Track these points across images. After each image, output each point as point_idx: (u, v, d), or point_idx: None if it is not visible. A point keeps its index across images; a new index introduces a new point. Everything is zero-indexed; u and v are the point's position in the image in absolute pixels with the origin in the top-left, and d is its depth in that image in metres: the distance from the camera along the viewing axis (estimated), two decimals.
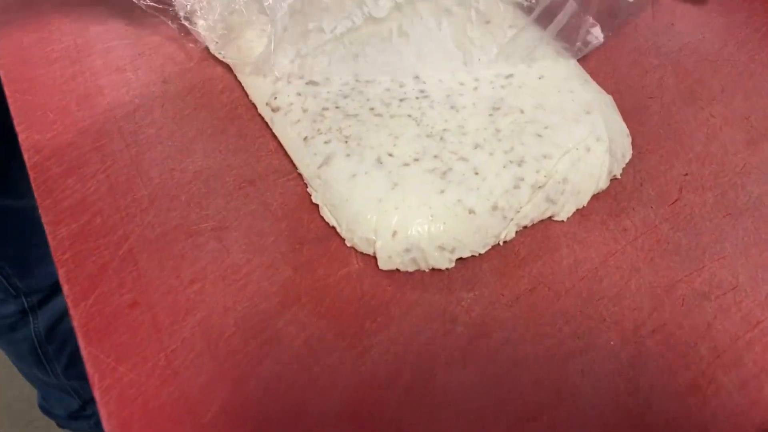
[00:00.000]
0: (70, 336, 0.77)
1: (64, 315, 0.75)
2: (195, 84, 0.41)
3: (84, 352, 0.30)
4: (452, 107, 0.36)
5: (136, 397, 0.28)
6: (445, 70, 0.38)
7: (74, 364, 0.81)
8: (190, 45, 0.43)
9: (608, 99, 0.37)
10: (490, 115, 0.35)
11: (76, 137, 0.38)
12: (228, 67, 0.41)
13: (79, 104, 0.39)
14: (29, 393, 0.93)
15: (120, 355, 0.30)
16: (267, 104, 0.38)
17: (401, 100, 0.36)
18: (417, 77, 0.37)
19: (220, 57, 0.42)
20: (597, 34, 0.40)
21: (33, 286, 0.71)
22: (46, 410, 0.90)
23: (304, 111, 0.36)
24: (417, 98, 0.36)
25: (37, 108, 0.39)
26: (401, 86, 0.37)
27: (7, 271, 0.69)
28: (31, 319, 0.74)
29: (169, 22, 0.41)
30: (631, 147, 0.37)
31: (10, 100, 0.40)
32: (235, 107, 0.40)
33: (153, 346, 0.30)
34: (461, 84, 0.37)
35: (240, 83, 0.40)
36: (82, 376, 0.83)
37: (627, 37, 0.44)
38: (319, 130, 0.35)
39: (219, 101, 0.40)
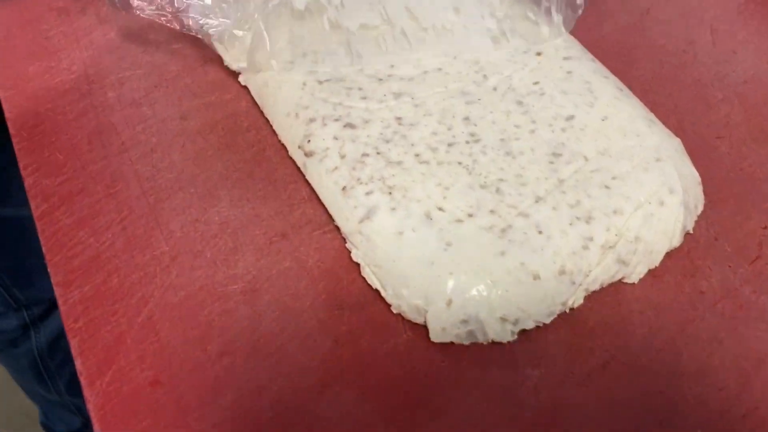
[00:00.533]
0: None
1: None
2: (217, 120, 0.37)
3: None
4: (508, 153, 0.32)
5: None
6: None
7: (77, 380, 0.78)
8: (211, 75, 0.39)
9: (677, 143, 0.34)
10: (551, 162, 0.32)
11: (88, 182, 0.34)
12: (253, 101, 0.38)
13: (90, 143, 0.36)
14: (30, 408, 0.90)
15: None
16: (299, 147, 0.34)
17: (449, 144, 0.33)
18: (467, 119, 0.34)
19: (242, 82, 0.38)
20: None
21: (34, 297, 0.69)
22: (47, 427, 0.87)
23: (342, 157, 0.32)
24: (467, 143, 0.33)
25: (44, 148, 0.36)
26: (449, 129, 0.33)
27: (6, 282, 0.66)
28: (32, 333, 0.71)
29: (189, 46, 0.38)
30: (703, 196, 0.33)
31: (15, 139, 0.36)
32: (263, 148, 0.36)
33: None
34: (516, 126, 0.33)
35: (267, 120, 0.37)
36: None
37: (686, 67, 0.41)
38: (359, 179, 0.31)
39: (245, 140, 0.36)
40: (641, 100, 0.37)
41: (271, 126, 0.37)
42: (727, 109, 0.38)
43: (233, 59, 0.38)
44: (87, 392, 0.27)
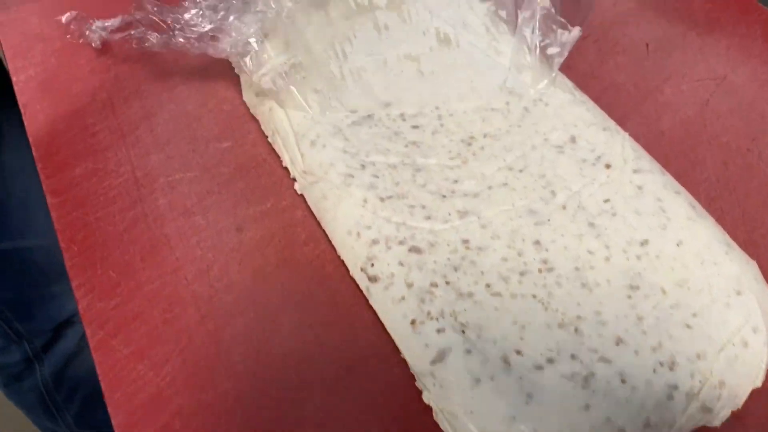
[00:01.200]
0: (80, 381, 0.74)
1: (71, 358, 0.73)
2: (274, 232, 0.36)
3: None
4: (584, 285, 0.31)
5: None
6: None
7: (85, 412, 0.78)
8: (263, 179, 0.38)
9: (754, 268, 0.33)
10: (629, 297, 0.31)
11: (144, 306, 0.33)
12: (309, 210, 0.37)
13: (144, 260, 0.35)
14: None
15: None
16: (362, 270, 0.33)
17: (521, 273, 0.31)
18: (537, 242, 0.32)
19: (298, 190, 0.37)
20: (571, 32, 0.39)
21: (35, 328, 0.69)
22: None
23: (409, 286, 0.31)
24: (540, 271, 0.32)
25: (97, 264, 0.35)
26: (519, 254, 0.32)
27: (6, 315, 0.66)
28: (37, 366, 0.71)
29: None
30: None
31: (66, 254, 0.35)
32: (322, 264, 0.35)
33: None
34: (590, 252, 0.32)
35: (324, 231, 0.36)
36: (93, 425, 0.79)
37: (751, 169, 0.39)
38: (429, 313, 0.30)
39: (303, 255, 0.35)
40: (709, 208, 0.36)
41: (328, 238, 0.36)
42: None
43: (292, 164, 0.37)
44: None
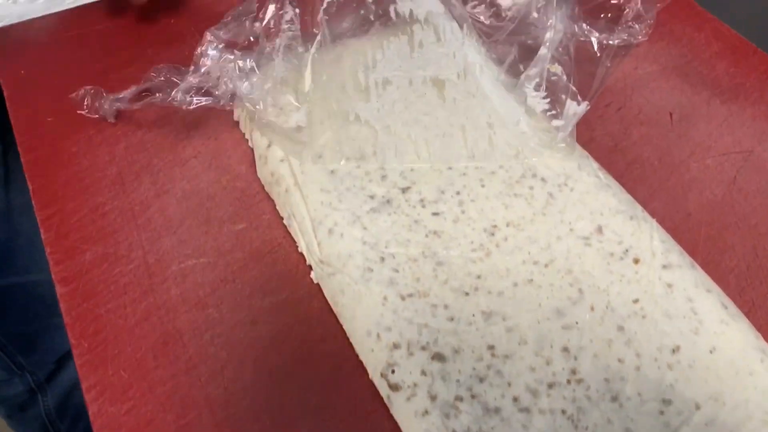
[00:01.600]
0: (83, 410, 0.74)
1: (73, 388, 0.73)
2: (290, 326, 0.35)
3: None
4: (614, 399, 0.30)
5: None
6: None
7: None
8: (279, 266, 0.37)
9: None
10: (661, 413, 0.29)
11: (158, 411, 0.32)
12: (325, 301, 0.36)
13: (156, 358, 0.34)
14: None
15: None
16: (382, 376, 0.32)
17: (550, 385, 0.30)
18: (566, 349, 0.31)
19: (314, 279, 0.36)
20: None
21: (37, 361, 0.69)
22: None
23: (433, 399, 0.30)
24: (569, 382, 0.30)
25: (108, 363, 0.33)
26: (548, 363, 0.31)
27: (9, 349, 0.66)
28: (40, 397, 0.71)
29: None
30: None
31: (75, 351, 0.34)
32: (340, 364, 0.34)
33: None
34: (620, 361, 0.31)
35: (342, 328, 0.35)
36: None
37: None
38: (454, 431, 0.29)
39: (320, 354, 0.34)
40: (738, 301, 0.35)
41: (346, 334, 0.34)
42: None
43: (309, 252, 0.36)
44: None
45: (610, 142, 0.44)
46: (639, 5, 0.42)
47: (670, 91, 0.47)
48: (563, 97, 0.40)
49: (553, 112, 0.40)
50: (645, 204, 0.39)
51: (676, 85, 0.47)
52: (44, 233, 0.38)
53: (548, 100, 0.40)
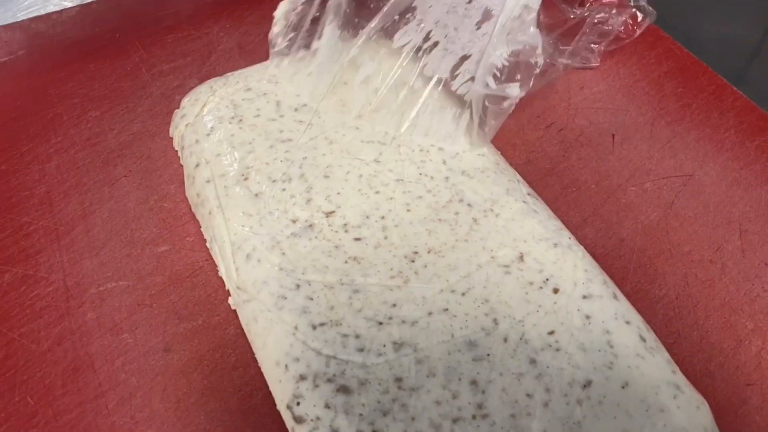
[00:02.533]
0: None
1: None
2: (203, 354, 0.34)
3: None
4: None
5: None
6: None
7: None
8: (197, 291, 0.37)
9: (704, 414, 0.31)
10: None
11: None
12: (241, 329, 0.35)
13: (65, 385, 0.33)
14: None
15: None
16: (288, 407, 0.31)
17: (454, 421, 0.30)
18: (474, 383, 0.31)
19: (231, 305, 0.35)
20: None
21: None
22: None
23: None
24: (474, 417, 0.30)
25: (15, 389, 0.33)
26: (454, 397, 0.30)
27: None
28: None
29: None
30: None
31: None
32: (250, 393, 0.33)
33: None
34: (528, 396, 0.30)
35: (254, 356, 0.34)
36: None
37: (714, 284, 0.37)
38: None
39: (231, 382, 0.33)
40: (664, 331, 0.35)
41: (258, 364, 0.34)
42: (758, 345, 0.35)
43: (227, 276, 0.36)
44: None
45: (548, 164, 0.43)
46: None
47: (615, 112, 0.46)
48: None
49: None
50: (577, 229, 0.38)
51: (621, 105, 0.47)
52: None
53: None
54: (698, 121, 0.46)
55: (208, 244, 0.38)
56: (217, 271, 0.37)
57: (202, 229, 0.39)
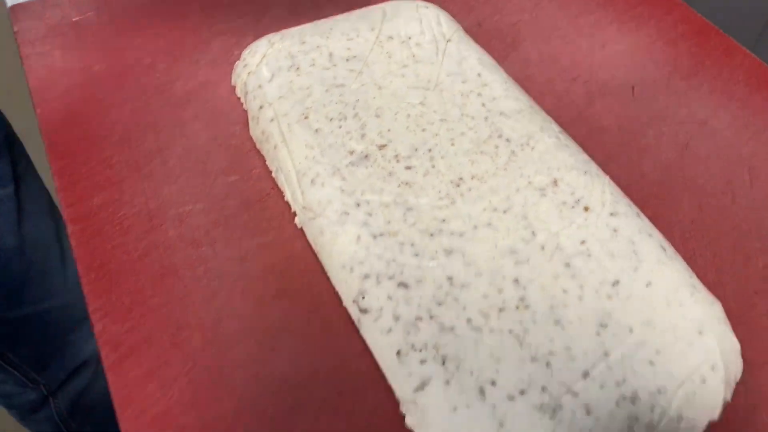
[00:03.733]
0: (93, 407, 0.79)
1: (84, 392, 0.76)
2: (275, 263, 0.39)
3: None
4: (557, 323, 0.34)
5: None
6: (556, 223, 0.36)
7: None
8: (267, 212, 0.41)
9: (718, 310, 0.35)
10: (598, 334, 0.33)
11: (154, 330, 0.36)
12: (307, 243, 0.40)
13: (153, 287, 0.38)
14: None
15: None
16: (354, 302, 0.36)
17: (500, 310, 0.34)
18: (516, 281, 0.35)
19: (297, 224, 0.40)
20: None
21: (50, 376, 0.72)
22: None
23: (396, 319, 0.34)
24: (517, 308, 0.34)
25: (112, 291, 0.38)
26: (499, 292, 0.35)
27: (23, 368, 0.70)
28: (51, 401, 0.74)
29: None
30: (742, 364, 0.34)
31: (83, 280, 0.38)
32: (318, 294, 0.38)
33: None
34: (564, 292, 0.35)
35: (321, 265, 0.39)
36: None
37: (725, 211, 0.42)
38: (413, 345, 0.33)
39: (301, 285, 0.38)
40: (681, 249, 0.39)
41: (325, 271, 0.38)
42: (765, 261, 0.40)
43: (293, 199, 0.41)
44: None
45: (575, 111, 0.47)
46: None
47: (634, 68, 0.51)
48: None
49: None
50: (602, 166, 0.43)
51: (640, 62, 0.51)
52: (57, 180, 0.43)
53: None
54: (711, 76, 0.50)
55: (273, 174, 0.43)
56: (283, 196, 0.42)
57: (267, 162, 0.44)
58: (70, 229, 0.40)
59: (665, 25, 0.54)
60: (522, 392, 0.31)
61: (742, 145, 0.45)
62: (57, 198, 0.42)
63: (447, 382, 0.32)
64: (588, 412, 0.31)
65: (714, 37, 0.53)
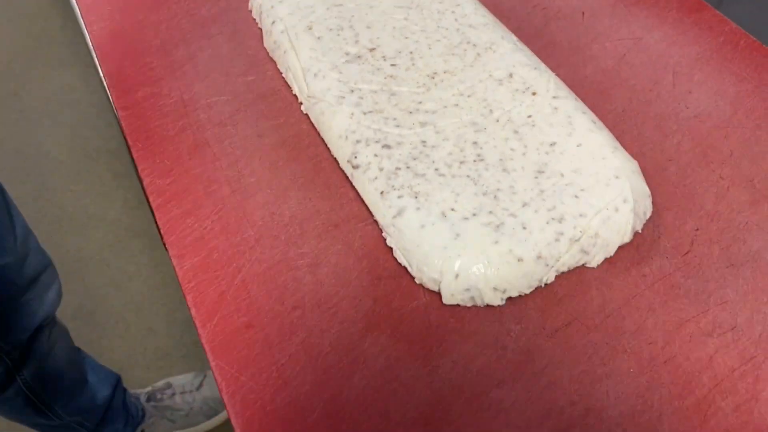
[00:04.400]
0: (60, 373, 0.78)
1: (45, 357, 0.74)
2: (285, 139, 0.49)
3: (212, 364, 0.38)
4: (504, 170, 0.43)
5: (255, 401, 0.36)
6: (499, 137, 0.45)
7: (72, 399, 0.81)
8: (279, 103, 0.51)
9: (634, 165, 0.45)
10: (536, 177, 0.43)
11: (191, 183, 0.46)
12: (312, 124, 0.49)
13: (190, 154, 0.48)
14: None
15: (241, 367, 0.38)
16: (348, 161, 0.45)
17: (461, 162, 0.44)
18: (476, 143, 0.45)
19: (303, 110, 0.50)
20: None
21: (13, 340, 0.69)
22: None
23: (380, 170, 0.44)
24: (474, 161, 0.44)
25: (156, 156, 0.47)
26: (461, 150, 0.45)
27: None
28: (17, 375, 0.72)
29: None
30: (651, 206, 0.44)
31: (133, 148, 0.48)
32: (320, 161, 0.47)
33: (266, 360, 0.38)
34: (512, 149, 0.45)
35: (323, 140, 0.48)
36: (83, 409, 0.80)
37: (651, 104, 0.52)
38: (393, 186, 0.43)
39: (306, 155, 0.48)
40: (613, 130, 0.48)
41: (326, 144, 0.48)
42: (678, 138, 0.49)
43: (300, 91, 0.50)
44: (201, 332, 0.39)
45: (532, 30, 0.57)
46: None
47: None
48: None
49: None
50: (552, 70, 0.52)
51: None
52: (108, 80, 0.52)
53: None
54: (649, 4, 0.60)
55: (283, 74, 0.52)
56: (291, 91, 0.51)
57: (278, 66, 0.53)
58: (120, 114, 0.50)
59: None
60: (474, 215, 0.41)
61: (669, 57, 0.55)
62: (109, 93, 0.52)
63: (418, 209, 0.42)
64: (524, 227, 0.41)
65: None
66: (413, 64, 0.51)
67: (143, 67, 0.53)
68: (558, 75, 0.51)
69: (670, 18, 0.58)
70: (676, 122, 0.50)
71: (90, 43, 0.56)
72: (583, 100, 0.50)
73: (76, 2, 0.59)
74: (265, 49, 0.55)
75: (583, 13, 0.59)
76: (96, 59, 0.54)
